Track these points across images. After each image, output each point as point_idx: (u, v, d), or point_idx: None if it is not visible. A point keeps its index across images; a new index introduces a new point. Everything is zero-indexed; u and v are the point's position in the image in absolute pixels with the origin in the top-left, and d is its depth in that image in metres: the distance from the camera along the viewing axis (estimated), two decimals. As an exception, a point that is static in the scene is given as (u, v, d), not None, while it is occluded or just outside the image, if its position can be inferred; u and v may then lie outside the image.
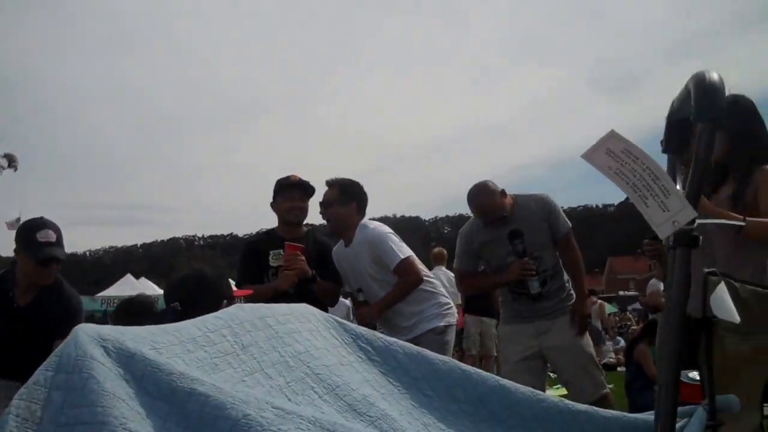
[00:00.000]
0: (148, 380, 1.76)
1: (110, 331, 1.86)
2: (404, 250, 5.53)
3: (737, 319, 3.49)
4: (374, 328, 5.47)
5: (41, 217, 4.83)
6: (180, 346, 1.97)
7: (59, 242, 4.76)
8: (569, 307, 5.59)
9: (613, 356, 17.84)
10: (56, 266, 4.79)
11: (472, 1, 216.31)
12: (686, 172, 2.43)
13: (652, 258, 5.02)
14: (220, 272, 3.99)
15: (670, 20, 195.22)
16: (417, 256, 5.61)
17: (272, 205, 5.77)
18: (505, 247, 5.58)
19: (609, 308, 41.22)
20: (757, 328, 3.66)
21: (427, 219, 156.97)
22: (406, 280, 5.46)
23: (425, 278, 5.65)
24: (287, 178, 5.74)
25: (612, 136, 1.90)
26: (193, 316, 2.22)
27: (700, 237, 1.91)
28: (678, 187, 1.99)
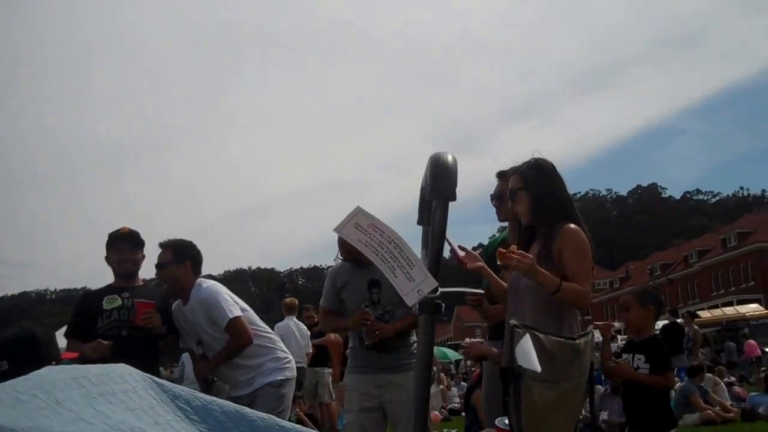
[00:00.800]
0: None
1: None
2: (234, 311, 5.53)
3: (538, 368, 3.70)
4: (212, 383, 5.52)
5: None
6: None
7: None
8: (411, 365, 5.57)
9: (458, 401, 18.18)
10: None
11: (329, 60, 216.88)
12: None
13: (474, 307, 5.13)
14: (48, 331, 3.96)
15: (508, 84, 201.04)
16: (271, 306, 5.65)
17: (106, 258, 5.69)
18: (362, 293, 5.65)
19: (454, 355, 41.90)
20: (562, 377, 3.89)
21: (282, 270, 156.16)
22: (234, 341, 5.49)
23: (263, 334, 5.71)
24: (118, 230, 5.68)
25: (359, 212, 1.98)
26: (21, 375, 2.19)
27: (443, 305, 1.99)
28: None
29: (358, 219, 1.99)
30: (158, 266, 5.69)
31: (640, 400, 5.46)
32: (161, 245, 5.75)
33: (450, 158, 2.03)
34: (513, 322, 3.88)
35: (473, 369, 27.48)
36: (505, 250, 3.93)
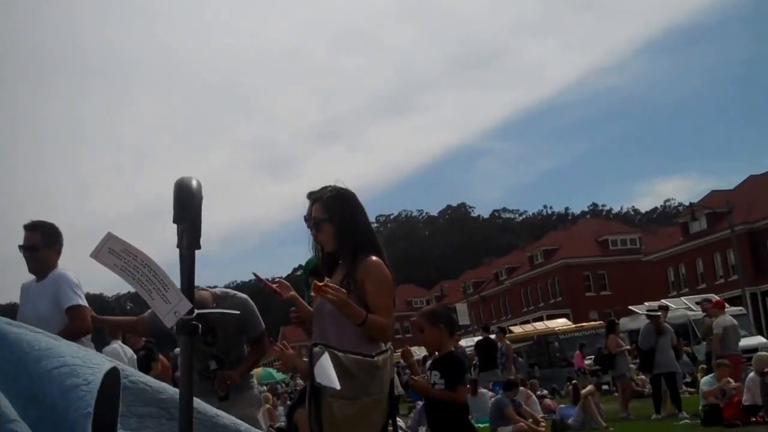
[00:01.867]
0: None
1: None
2: (81, 300, 5.64)
3: (338, 386, 3.72)
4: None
5: None
6: None
7: None
8: (250, 385, 6.02)
9: (284, 420, 18.16)
10: None
11: (135, 83, 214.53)
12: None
13: (296, 324, 5.10)
14: None
15: (312, 107, 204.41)
16: (100, 331, 5.62)
17: None
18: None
19: (281, 375, 42.26)
20: (361, 393, 3.99)
21: (110, 296, 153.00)
22: (75, 324, 5.52)
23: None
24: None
25: (110, 237, 2.00)
26: None
27: (200, 326, 2.02)
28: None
29: (111, 244, 2.00)
30: (28, 248, 5.74)
31: (438, 414, 5.64)
32: (27, 227, 5.80)
33: (194, 183, 2.08)
34: (312, 342, 3.96)
35: (298, 389, 27.72)
36: (321, 284, 4.06)
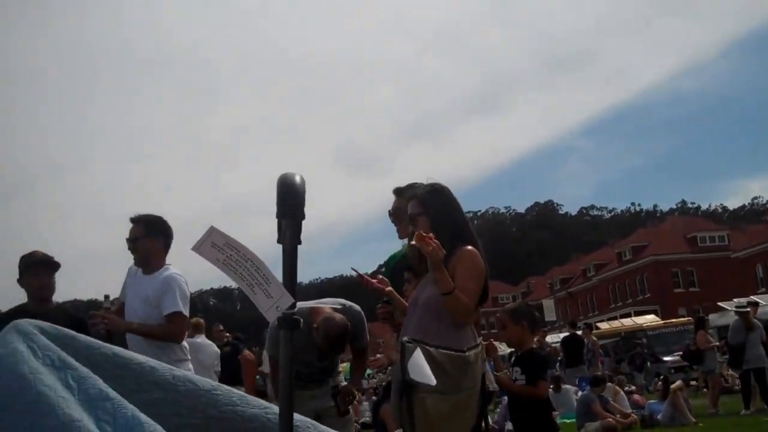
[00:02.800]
0: None
1: None
2: (185, 309, 5.54)
3: (433, 381, 3.75)
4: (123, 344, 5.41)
5: None
6: None
7: None
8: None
9: (369, 415, 18.14)
10: None
11: (231, 80, 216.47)
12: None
13: (384, 320, 5.14)
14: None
15: (401, 106, 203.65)
16: None
17: (20, 282, 5.65)
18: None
19: (365, 371, 42.10)
20: (454, 388, 3.99)
21: (193, 291, 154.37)
22: (171, 329, 5.46)
23: (185, 344, 5.70)
24: (31, 254, 5.64)
25: (213, 231, 1.99)
26: None
27: (301, 320, 2.01)
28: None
29: (214, 238, 1.98)
30: (131, 240, 5.71)
31: (521, 410, 5.71)
32: (133, 220, 5.77)
33: (298, 178, 2.07)
34: (404, 338, 3.96)
35: (383, 384, 27.65)
36: (425, 235, 4.04)
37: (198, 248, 1.99)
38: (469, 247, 4.28)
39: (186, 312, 5.58)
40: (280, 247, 2.03)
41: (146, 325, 5.45)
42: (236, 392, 2.19)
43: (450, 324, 4.14)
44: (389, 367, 5.20)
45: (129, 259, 5.72)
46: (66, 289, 5.78)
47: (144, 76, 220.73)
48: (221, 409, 2.08)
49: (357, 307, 5.61)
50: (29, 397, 1.70)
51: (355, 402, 5.66)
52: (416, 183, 5.08)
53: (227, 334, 13.57)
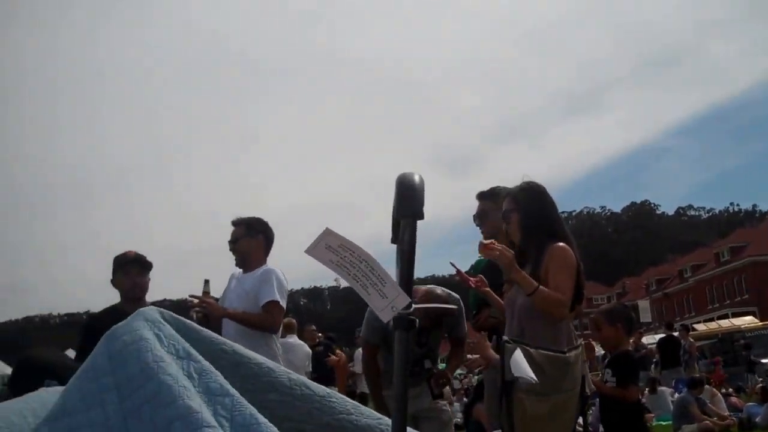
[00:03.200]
0: None
1: None
2: (282, 299, 5.57)
3: (535, 379, 3.75)
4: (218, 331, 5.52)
5: None
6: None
7: None
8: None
9: (461, 416, 18.13)
10: None
11: (326, 84, 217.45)
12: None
13: (478, 330, 5.22)
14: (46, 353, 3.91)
15: (496, 107, 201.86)
16: None
17: (113, 282, 5.72)
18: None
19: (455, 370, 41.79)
20: (553, 389, 3.97)
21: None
22: (267, 317, 5.49)
23: (278, 339, 5.77)
24: (125, 254, 5.72)
25: (328, 233, 2.01)
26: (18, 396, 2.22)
27: (417, 320, 1.99)
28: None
29: (328, 240, 2.00)
30: (232, 242, 5.84)
31: (611, 412, 5.67)
32: (234, 223, 5.91)
33: (417, 177, 2.05)
34: (504, 338, 3.97)
35: (474, 385, 27.54)
36: (487, 242, 4.06)
37: (312, 250, 2.01)
38: (560, 244, 4.25)
39: (283, 303, 5.61)
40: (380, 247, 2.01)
41: (244, 313, 5.51)
42: (350, 401, 2.17)
43: (548, 324, 4.13)
44: (478, 368, 5.17)
45: (220, 258, 5.82)
46: (156, 288, 5.87)
47: (251, 76, 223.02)
48: (335, 417, 2.06)
49: (456, 296, 5.62)
50: (151, 386, 1.74)
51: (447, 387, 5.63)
52: (499, 186, 5.14)
53: (319, 334, 13.65)
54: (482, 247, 4.07)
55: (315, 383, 2.28)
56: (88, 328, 5.73)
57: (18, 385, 3.18)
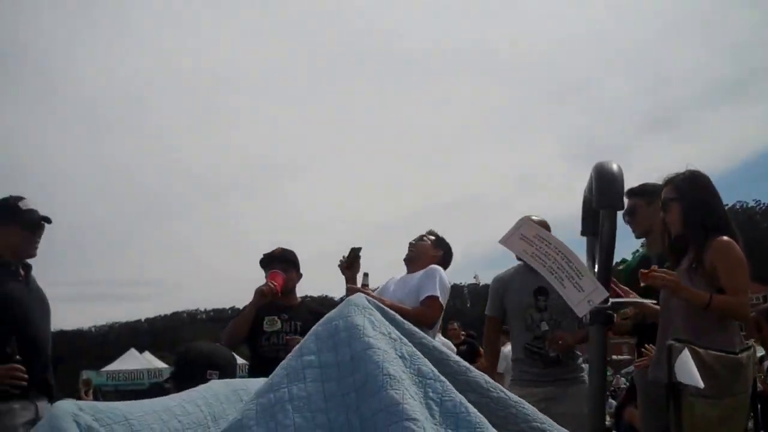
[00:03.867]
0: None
1: (85, 406, 1.92)
2: (441, 294, 5.53)
3: (701, 384, 3.59)
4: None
5: (10, 195, 4.83)
6: (154, 416, 2.01)
7: None
8: (582, 378, 5.39)
9: (607, 418, 17.84)
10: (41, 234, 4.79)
11: (449, 81, 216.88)
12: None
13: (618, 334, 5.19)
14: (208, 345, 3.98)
15: (641, 96, 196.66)
16: None
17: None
18: (527, 300, 5.52)
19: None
20: (725, 392, 3.78)
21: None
22: (424, 311, 5.41)
23: (436, 335, 5.81)
24: (272, 252, 5.82)
25: (524, 222, 1.98)
26: (181, 389, 2.27)
27: (614, 315, 1.91)
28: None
29: (524, 230, 1.99)
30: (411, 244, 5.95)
31: None
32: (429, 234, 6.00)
33: (615, 167, 2.03)
34: (670, 340, 3.82)
35: (622, 387, 27.03)
36: (646, 271, 3.86)
37: (506, 240, 2.00)
38: (725, 238, 4.07)
39: (443, 300, 5.55)
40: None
41: (401, 305, 5.39)
42: (540, 413, 2.10)
43: (718, 323, 3.97)
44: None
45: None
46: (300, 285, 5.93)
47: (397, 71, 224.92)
48: (531, 425, 1.99)
49: None
50: (359, 376, 1.75)
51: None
52: (649, 183, 5.00)
53: (462, 333, 13.58)
54: (644, 277, 3.85)
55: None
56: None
57: (182, 377, 3.24)
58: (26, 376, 4.31)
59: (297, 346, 1.88)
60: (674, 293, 3.95)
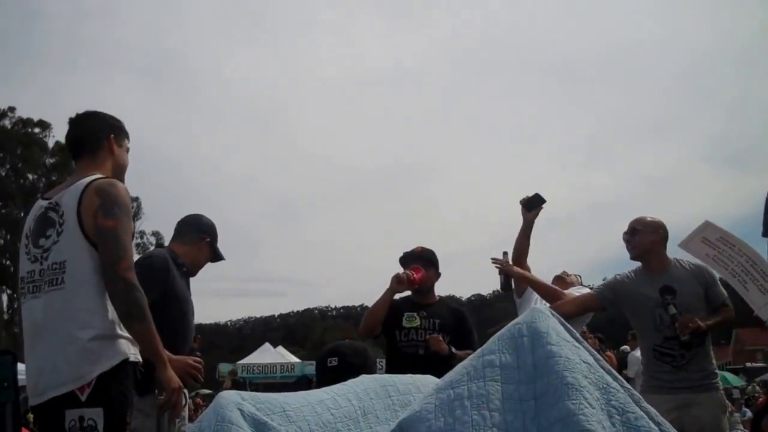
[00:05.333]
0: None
1: (247, 396, 1.99)
2: None
3: None
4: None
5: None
6: (309, 408, 2.07)
7: None
8: (716, 385, 5.12)
9: (741, 428, 17.32)
10: None
11: (600, 78, 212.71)
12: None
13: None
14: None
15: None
16: None
17: None
18: (654, 299, 5.11)
19: (735, 380, 39.76)
20: None
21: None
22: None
23: None
24: (412, 250, 5.87)
25: (707, 225, 1.93)
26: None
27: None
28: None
29: (707, 233, 1.96)
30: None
31: None
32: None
33: None
34: None
35: (757, 395, 26.13)
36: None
37: (686, 244, 1.95)
38: None
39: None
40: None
41: (536, 277, 5.56)
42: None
43: None
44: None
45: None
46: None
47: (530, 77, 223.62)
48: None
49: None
50: (540, 384, 1.77)
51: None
52: None
53: (590, 336, 13.45)
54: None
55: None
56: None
57: (329, 375, 3.27)
58: (202, 373, 4.49)
59: (480, 349, 1.89)
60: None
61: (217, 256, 5.11)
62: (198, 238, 5.02)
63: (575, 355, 1.82)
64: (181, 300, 4.76)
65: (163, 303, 4.44)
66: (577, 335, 1.98)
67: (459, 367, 1.87)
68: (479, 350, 1.88)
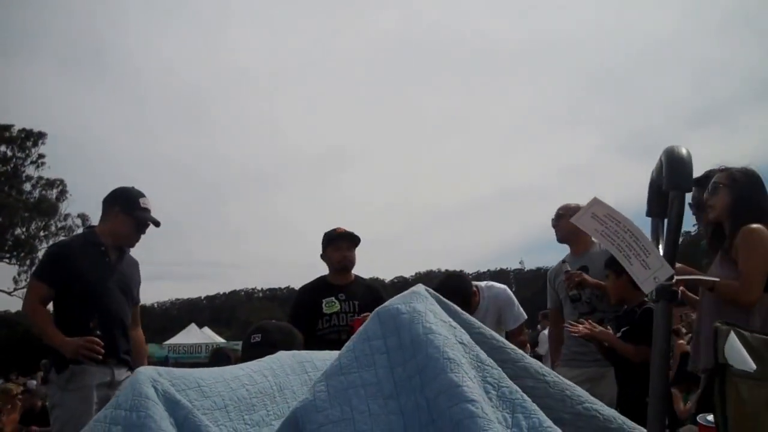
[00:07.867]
0: (186, 428, 1.84)
1: (163, 372, 1.97)
2: None
3: (753, 366, 3.51)
4: None
5: (133, 187, 5.11)
6: (223, 384, 2.05)
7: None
8: None
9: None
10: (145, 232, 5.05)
11: (510, 74, 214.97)
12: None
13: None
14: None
15: (684, 92, 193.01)
16: None
17: (322, 256, 5.82)
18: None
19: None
20: None
21: (471, 272, 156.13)
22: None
23: None
24: (334, 230, 5.84)
25: (595, 202, 1.99)
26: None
27: (679, 291, 1.90)
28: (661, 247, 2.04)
29: (595, 209, 2.00)
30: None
31: None
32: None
33: (684, 151, 2.00)
34: (717, 323, 3.78)
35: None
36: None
37: (578, 219, 2.01)
38: (755, 225, 4.01)
39: None
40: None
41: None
42: (590, 395, 2.09)
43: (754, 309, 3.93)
44: None
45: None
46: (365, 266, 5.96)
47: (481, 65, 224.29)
48: (584, 405, 2.01)
49: None
50: (420, 358, 1.75)
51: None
52: (712, 170, 4.88)
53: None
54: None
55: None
56: (300, 301, 5.84)
57: (252, 352, 3.26)
58: (103, 350, 4.51)
59: (363, 330, 1.87)
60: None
61: (141, 222, 4.98)
62: (110, 212, 4.96)
63: (451, 334, 1.83)
64: (88, 282, 4.73)
65: (67, 289, 4.67)
66: (463, 317, 2.02)
67: (346, 351, 1.84)
68: (364, 331, 1.87)
